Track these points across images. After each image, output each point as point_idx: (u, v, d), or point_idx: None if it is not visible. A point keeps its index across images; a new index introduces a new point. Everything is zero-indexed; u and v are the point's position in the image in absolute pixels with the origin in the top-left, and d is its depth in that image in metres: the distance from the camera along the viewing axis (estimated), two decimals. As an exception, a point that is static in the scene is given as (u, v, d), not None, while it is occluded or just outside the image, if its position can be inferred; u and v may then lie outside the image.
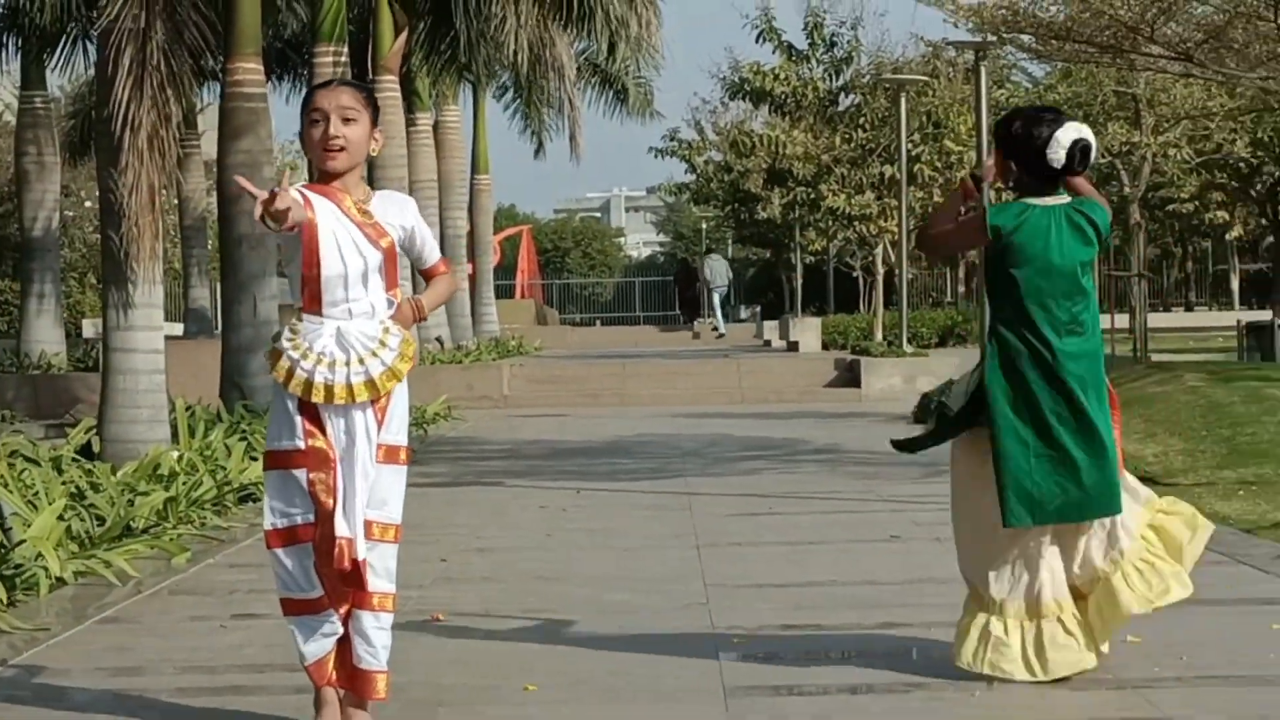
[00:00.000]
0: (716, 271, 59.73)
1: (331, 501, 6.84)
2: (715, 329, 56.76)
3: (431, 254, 7.31)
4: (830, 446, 21.10)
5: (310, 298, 6.96)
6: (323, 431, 6.90)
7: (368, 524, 6.91)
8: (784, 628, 9.33)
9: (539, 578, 11.46)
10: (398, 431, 7.04)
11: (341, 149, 6.96)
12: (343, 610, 6.99)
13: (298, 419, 6.92)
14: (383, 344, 6.95)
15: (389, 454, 7.00)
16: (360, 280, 6.96)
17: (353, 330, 6.93)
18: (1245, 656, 8.24)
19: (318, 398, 6.87)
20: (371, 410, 6.94)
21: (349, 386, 6.88)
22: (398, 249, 7.12)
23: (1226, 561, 11.41)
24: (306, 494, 6.90)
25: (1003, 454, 7.38)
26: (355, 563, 6.84)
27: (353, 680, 7.04)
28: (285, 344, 6.95)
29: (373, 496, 6.93)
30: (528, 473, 18.76)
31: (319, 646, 7.00)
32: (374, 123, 7.09)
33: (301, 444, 6.91)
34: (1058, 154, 7.44)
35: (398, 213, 7.16)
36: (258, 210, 6.60)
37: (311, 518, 6.90)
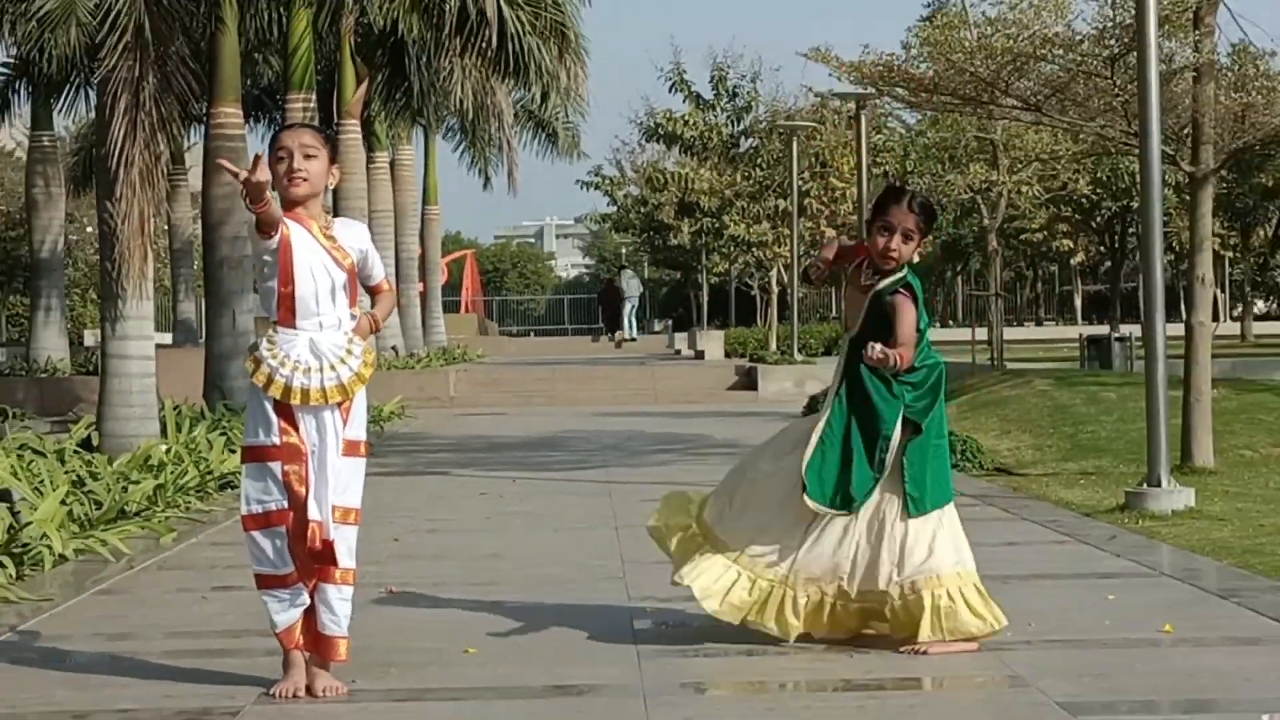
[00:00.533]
0: (630, 285, 59.97)
1: (304, 490, 6.86)
2: (629, 337, 56.88)
3: (378, 273, 7.36)
4: (731, 441, 21.12)
5: (286, 312, 6.97)
6: (296, 429, 6.91)
7: (333, 509, 6.92)
8: (689, 599, 9.32)
9: (480, 555, 11.45)
10: (358, 428, 7.08)
11: (304, 179, 7.01)
12: (310, 584, 6.99)
13: (274, 418, 6.92)
14: (349, 353, 7.01)
15: (350, 448, 7.03)
16: (329, 296, 7.01)
17: (323, 341, 6.96)
18: (1084, 623, 8.28)
19: (294, 400, 6.89)
20: (338, 411, 6.96)
21: (323, 390, 6.92)
22: (357, 270, 7.13)
23: (1069, 541, 11.51)
24: (281, 483, 6.90)
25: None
26: (326, 542, 6.86)
27: (318, 644, 7.03)
28: (264, 353, 6.96)
29: (339, 484, 6.93)
30: (470, 463, 18.73)
31: (289, 616, 6.99)
32: (331, 159, 7.14)
33: (277, 440, 6.92)
34: None
35: (355, 237, 7.22)
36: (241, 187, 6.65)
37: (285, 504, 6.90)
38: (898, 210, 7.47)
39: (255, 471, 6.99)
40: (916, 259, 7.64)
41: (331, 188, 7.21)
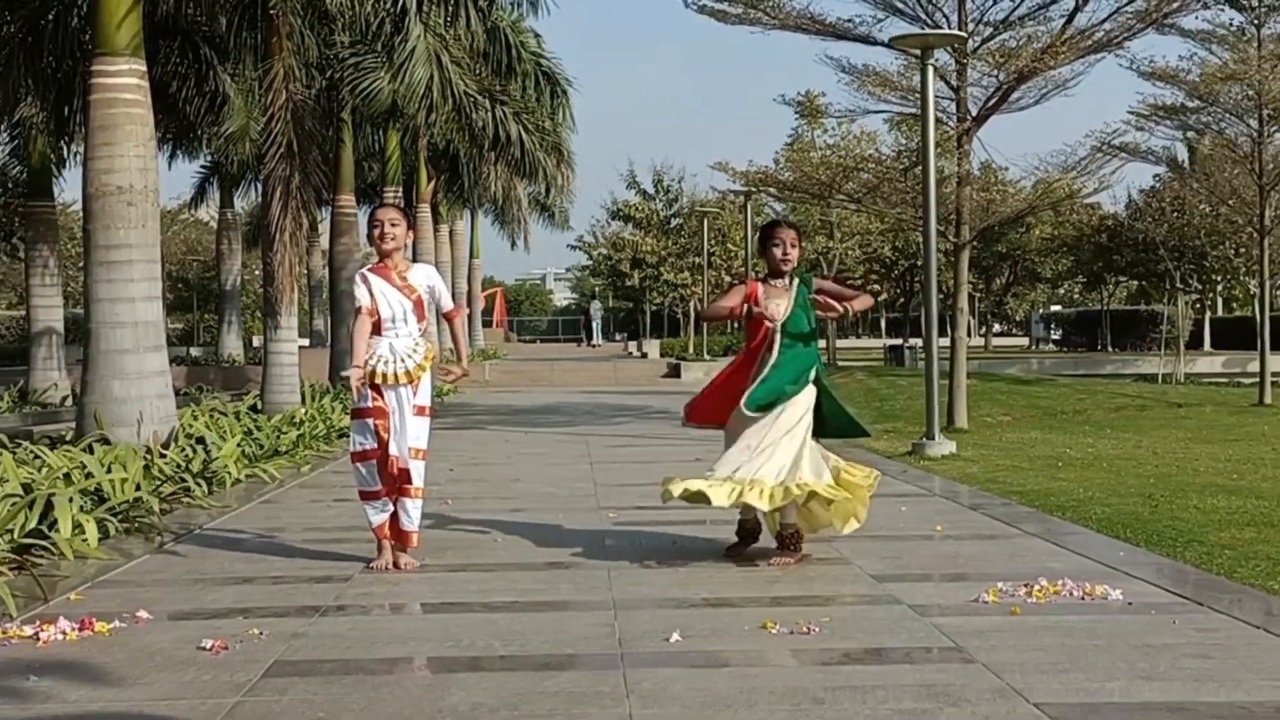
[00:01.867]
0: (595, 312, 60.30)
1: (387, 436, 6.88)
2: (595, 343, 57.09)
3: (446, 302, 7.29)
4: (663, 409, 21.10)
5: (376, 326, 6.97)
6: (382, 398, 6.89)
7: (410, 449, 6.91)
8: (638, 508, 9.35)
9: (504, 479, 11.43)
10: (425, 398, 7.05)
11: (392, 240, 7.03)
12: (393, 498, 6.97)
13: (368, 391, 6.91)
14: (414, 352, 6.98)
15: (419, 410, 6.99)
16: (401, 318, 6.98)
17: (398, 345, 6.95)
18: (885, 525, 8.31)
19: (379, 380, 6.87)
20: (409, 388, 6.93)
21: (396, 375, 6.89)
22: (424, 299, 7.09)
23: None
24: (373, 432, 6.93)
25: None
26: (403, 470, 6.91)
27: (399, 536, 7.02)
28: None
29: (411, 434, 6.91)
30: (498, 422, 18.70)
31: (379, 518, 7.00)
32: (409, 227, 7.19)
33: (370, 405, 6.93)
34: None
35: (424, 277, 7.14)
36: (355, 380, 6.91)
37: (375, 445, 6.93)
38: (779, 230, 7.21)
39: (358, 426, 7.03)
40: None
41: (409, 244, 7.19)
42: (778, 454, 6.89)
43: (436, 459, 8.28)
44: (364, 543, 7.53)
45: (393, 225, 7.05)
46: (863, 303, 7.37)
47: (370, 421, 6.97)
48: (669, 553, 7.37)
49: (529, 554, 7.43)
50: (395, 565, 7.00)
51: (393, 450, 6.94)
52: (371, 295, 7.00)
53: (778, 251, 7.17)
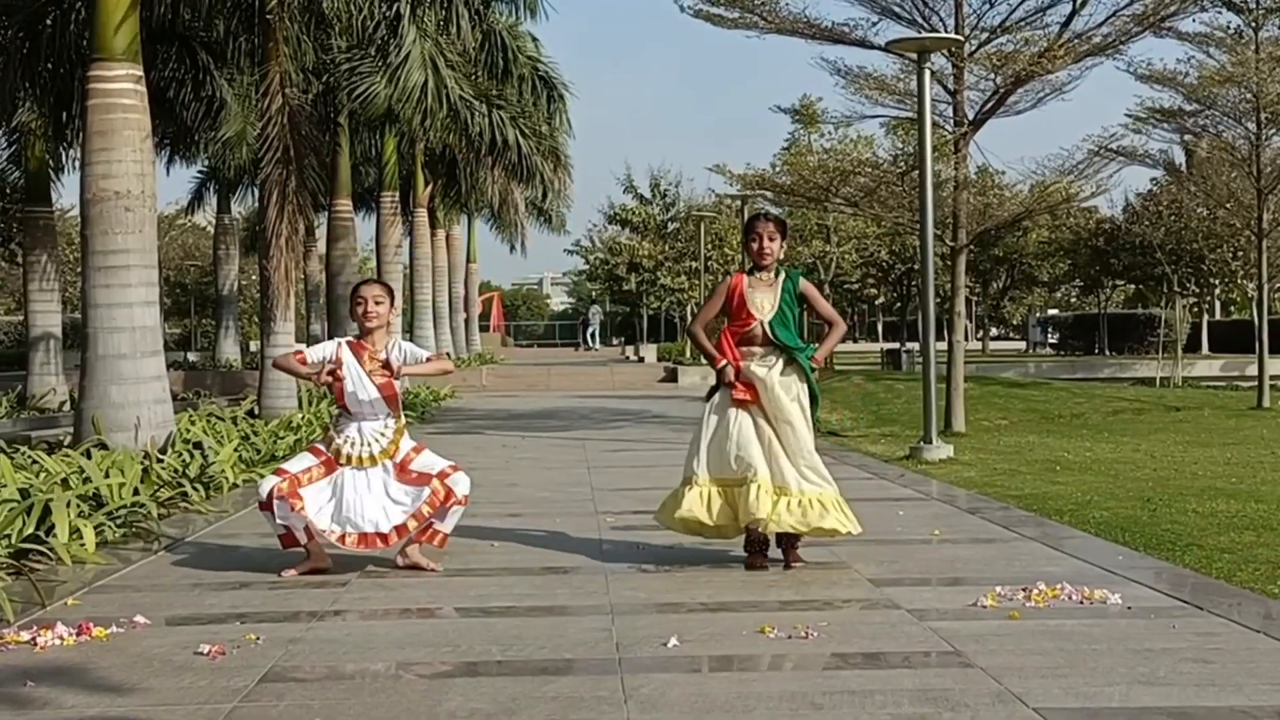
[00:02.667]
0: (593, 317, 60.25)
1: (309, 489, 6.94)
2: (593, 347, 57.11)
3: (423, 354, 7.07)
4: (661, 413, 21.12)
5: (343, 404, 6.97)
6: (333, 462, 6.96)
7: (445, 470, 7.00)
8: (635, 513, 9.33)
9: (501, 484, 11.41)
10: (407, 445, 7.01)
11: (375, 318, 6.93)
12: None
13: (319, 449, 7.07)
14: (382, 434, 6.94)
15: (417, 450, 7.03)
16: (368, 405, 6.91)
17: (367, 428, 6.93)
18: (883, 528, 8.32)
19: (344, 462, 6.95)
20: (387, 462, 6.95)
21: (361, 457, 6.91)
22: (397, 391, 6.98)
23: (874, 478, 11.55)
24: (311, 468, 6.95)
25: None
26: (371, 538, 6.90)
27: (427, 534, 7.03)
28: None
29: (427, 465, 7.02)
30: (496, 426, 18.66)
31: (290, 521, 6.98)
32: (391, 302, 7.02)
33: (323, 450, 7.03)
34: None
35: (397, 351, 6.97)
36: (322, 376, 6.87)
37: (301, 470, 6.98)
38: (759, 223, 7.10)
39: (306, 454, 7.05)
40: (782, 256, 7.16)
41: (396, 314, 7.10)
42: (772, 449, 6.84)
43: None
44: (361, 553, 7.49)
45: (377, 303, 6.90)
46: (833, 341, 7.24)
47: (311, 457, 6.95)
48: (666, 557, 7.35)
49: (526, 559, 7.42)
50: (414, 565, 7.00)
51: (352, 524, 6.81)
52: (336, 371, 6.86)
53: (755, 245, 7.08)
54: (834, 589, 6.45)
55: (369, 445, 6.91)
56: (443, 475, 6.98)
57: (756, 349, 7.01)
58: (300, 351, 7.01)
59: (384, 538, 6.89)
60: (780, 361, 6.99)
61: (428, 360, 7.09)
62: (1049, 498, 9.85)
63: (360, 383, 6.92)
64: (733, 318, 7.13)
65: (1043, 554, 7.35)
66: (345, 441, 6.92)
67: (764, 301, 7.03)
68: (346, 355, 6.95)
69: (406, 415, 7.46)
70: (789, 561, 6.99)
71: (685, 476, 7.06)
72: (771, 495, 6.78)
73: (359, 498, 6.88)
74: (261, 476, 11.26)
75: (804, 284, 7.15)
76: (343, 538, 6.85)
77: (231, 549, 7.95)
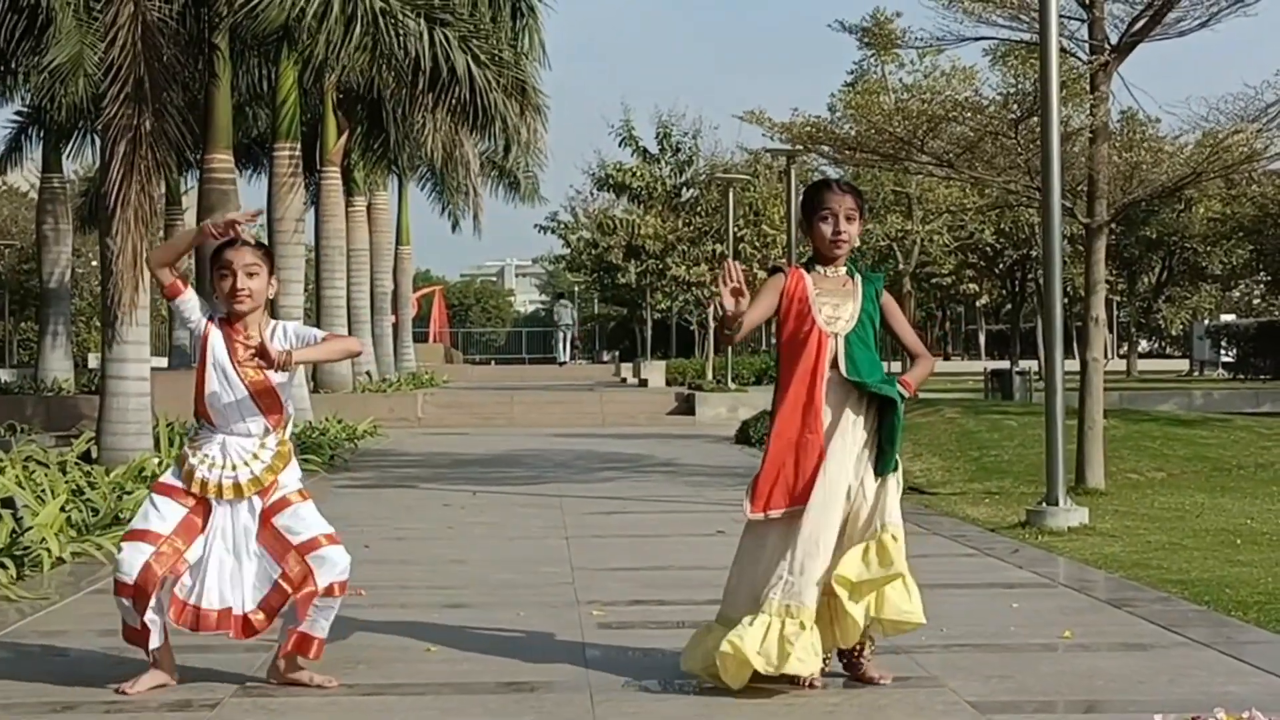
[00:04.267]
0: (564, 314, 60.59)
1: (183, 550, 6.85)
2: (559, 360, 57.53)
3: (315, 335, 7.02)
4: (670, 460, 21.07)
5: (202, 412, 6.93)
6: (200, 510, 6.92)
7: (323, 536, 6.89)
8: (633, 603, 9.25)
9: (442, 560, 11.39)
10: (293, 480, 6.97)
11: (248, 297, 6.86)
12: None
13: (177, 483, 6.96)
14: (256, 455, 6.87)
15: (300, 496, 6.95)
16: (235, 411, 6.86)
17: (233, 445, 6.85)
18: (991, 628, 8.29)
19: (199, 490, 6.86)
20: (255, 501, 6.90)
21: (222, 485, 6.83)
22: (277, 389, 6.92)
23: (975, 554, 11.51)
24: (172, 520, 6.89)
25: None
26: (236, 620, 6.88)
27: (298, 642, 6.90)
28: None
29: (305, 524, 6.89)
30: (435, 478, 18.62)
31: (144, 618, 6.86)
32: (270, 272, 6.97)
33: (180, 488, 6.93)
34: None
35: (281, 334, 6.94)
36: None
37: (162, 531, 6.85)
38: (833, 195, 6.94)
39: (157, 501, 6.92)
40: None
41: (271, 298, 7.04)
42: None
43: (347, 530, 8.09)
44: (240, 651, 7.42)
45: (249, 275, 6.85)
46: (923, 375, 7.19)
47: (173, 504, 6.85)
48: (678, 669, 7.27)
49: (477, 670, 7.35)
50: (291, 680, 6.93)
51: (198, 593, 6.78)
52: (203, 363, 6.84)
53: (827, 227, 6.93)
54: (921, 717, 6.36)
55: (233, 469, 6.81)
56: (305, 549, 6.80)
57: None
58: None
59: (243, 622, 6.80)
60: (849, 392, 6.86)
61: (323, 340, 7.02)
62: (1227, 584, 9.77)
63: (225, 379, 6.84)
64: (786, 331, 6.96)
65: (1220, 666, 7.30)
66: (201, 462, 6.81)
67: (837, 308, 6.90)
68: (213, 339, 6.88)
69: (308, 462, 7.36)
70: (860, 673, 6.92)
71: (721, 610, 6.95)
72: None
73: (224, 549, 6.81)
74: (99, 547, 11.21)
75: (885, 298, 7.08)
76: (182, 609, 6.76)
77: (54, 652, 7.86)
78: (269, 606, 6.83)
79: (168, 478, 6.95)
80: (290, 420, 7.06)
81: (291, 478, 6.95)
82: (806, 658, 6.61)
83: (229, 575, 6.81)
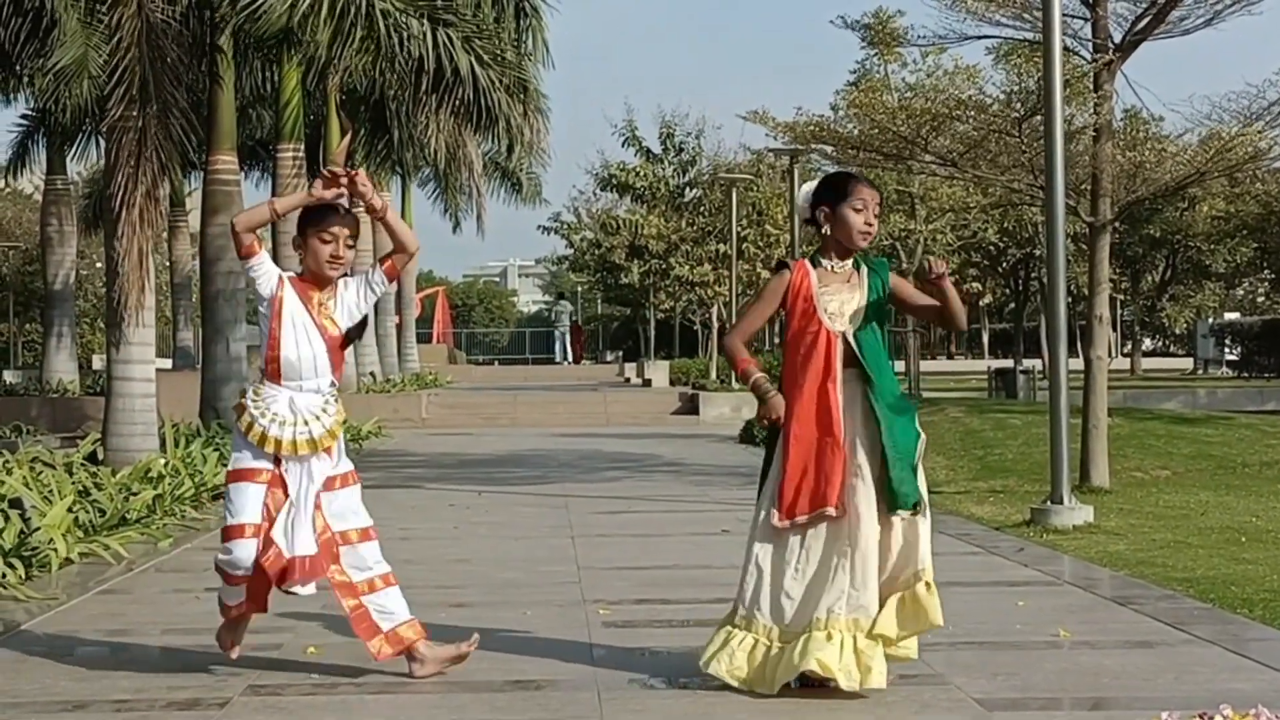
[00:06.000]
0: (563, 315, 60.69)
1: (275, 518, 6.98)
2: (557, 360, 57.61)
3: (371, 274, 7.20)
4: (675, 460, 21.08)
5: (273, 372, 7.02)
6: (279, 467, 7.03)
7: (357, 531, 7.14)
8: (640, 602, 9.27)
9: (447, 560, 11.40)
10: (345, 462, 7.15)
11: (342, 264, 7.05)
12: (258, 603, 7.16)
13: (253, 451, 7.01)
14: (323, 412, 7.03)
15: (344, 480, 7.12)
16: (310, 366, 7.01)
17: (301, 401, 6.99)
18: (996, 625, 8.31)
19: (272, 449, 6.96)
20: (319, 459, 7.02)
21: (296, 442, 6.95)
22: (341, 340, 7.11)
23: (980, 553, 11.51)
24: (262, 506, 6.98)
25: None
26: (290, 565, 6.89)
27: (394, 641, 7.08)
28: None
29: (346, 511, 7.11)
30: (440, 478, 18.64)
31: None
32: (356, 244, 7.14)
33: (256, 465, 6.99)
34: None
35: (353, 297, 7.14)
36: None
37: (258, 521, 6.95)
38: (866, 188, 6.88)
39: (236, 491, 7.00)
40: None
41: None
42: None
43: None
44: (248, 649, 7.44)
45: (348, 246, 7.03)
46: (959, 315, 7.08)
47: (253, 487, 6.91)
48: (684, 667, 7.28)
49: (483, 669, 7.35)
50: (434, 671, 7.12)
51: (279, 542, 6.85)
52: (279, 318, 6.94)
53: (860, 217, 6.82)
54: (927, 715, 6.37)
55: (305, 425, 6.91)
56: (360, 533, 7.07)
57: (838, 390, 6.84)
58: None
59: (307, 564, 6.86)
60: (860, 392, 6.83)
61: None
62: (1232, 582, 9.78)
63: (305, 333, 6.97)
64: (792, 328, 6.93)
65: (1225, 663, 7.31)
66: (273, 421, 6.88)
67: (843, 304, 6.84)
68: (289, 294, 7.00)
69: None
70: None
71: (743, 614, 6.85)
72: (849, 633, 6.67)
73: (306, 501, 6.91)
74: (106, 548, 11.23)
75: (894, 278, 7.00)
76: (274, 562, 6.82)
77: (62, 651, 7.87)
78: (324, 560, 6.96)
79: (239, 461, 6.99)
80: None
81: (344, 454, 7.13)
82: (882, 671, 6.63)
83: (296, 527, 6.88)
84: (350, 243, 7.02)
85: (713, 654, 6.88)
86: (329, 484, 6.98)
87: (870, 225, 6.85)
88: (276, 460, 6.91)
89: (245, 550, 6.82)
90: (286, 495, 6.90)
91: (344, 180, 7.01)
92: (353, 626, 7.01)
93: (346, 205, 7.09)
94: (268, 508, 6.87)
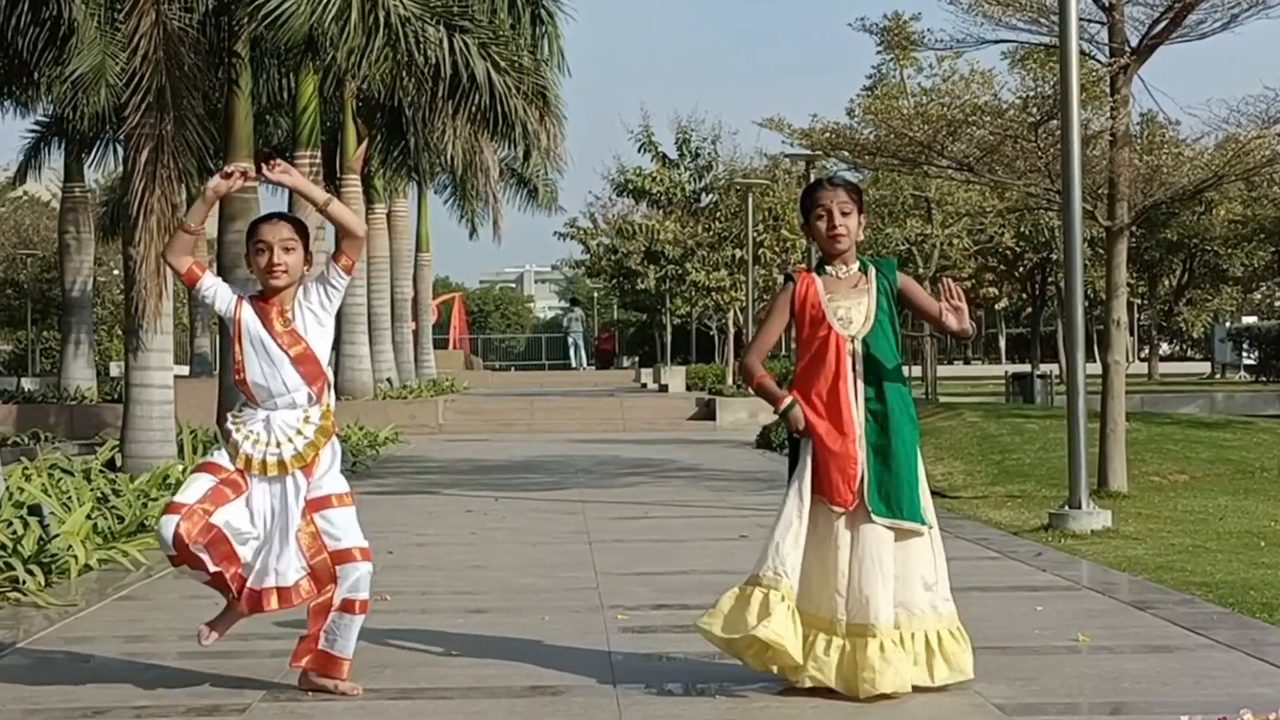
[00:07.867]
0: (574, 321, 60.73)
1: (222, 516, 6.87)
2: (572, 366, 57.70)
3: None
4: (692, 465, 21.06)
5: (244, 390, 7.03)
6: (244, 482, 6.99)
7: (358, 550, 6.93)
8: (658, 608, 9.26)
9: (465, 566, 11.39)
10: (336, 482, 6.98)
11: (284, 272, 6.86)
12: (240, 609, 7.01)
13: (224, 452, 7.04)
14: (302, 428, 6.90)
15: (339, 499, 6.95)
16: (280, 386, 6.89)
17: (278, 420, 6.90)
18: (1015, 630, 8.28)
19: (243, 466, 6.92)
20: (299, 478, 6.91)
21: (266, 462, 6.88)
22: (315, 351, 6.93)
23: (999, 558, 11.49)
24: (211, 495, 6.92)
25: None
26: (269, 594, 6.87)
27: (322, 661, 6.92)
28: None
29: (341, 530, 6.91)
30: (457, 484, 18.64)
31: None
32: (308, 247, 6.98)
33: (221, 465, 6.99)
34: None
35: (314, 302, 6.96)
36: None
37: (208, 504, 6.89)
38: (824, 192, 6.92)
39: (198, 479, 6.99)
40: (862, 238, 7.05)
41: (308, 273, 7.00)
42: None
43: (371, 536, 8.07)
44: (265, 656, 7.46)
45: (285, 250, 6.87)
46: (960, 319, 7.04)
47: (206, 477, 6.87)
48: (702, 673, 7.28)
49: (501, 674, 7.36)
50: (316, 685, 6.94)
51: (250, 573, 6.80)
52: (238, 341, 6.89)
53: (822, 224, 6.90)
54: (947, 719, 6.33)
55: (277, 446, 6.83)
56: (340, 557, 6.84)
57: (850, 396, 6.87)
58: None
59: (284, 594, 6.81)
60: (871, 394, 6.89)
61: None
62: (1251, 586, 9.75)
63: (264, 352, 6.87)
64: (803, 336, 6.94)
65: (1244, 668, 7.30)
66: (246, 438, 6.85)
67: (852, 308, 6.87)
68: (246, 315, 6.90)
69: None
70: None
71: (765, 576, 6.74)
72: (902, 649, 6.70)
73: (269, 528, 6.83)
74: (125, 554, 11.25)
75: (903, 279, 7.03)
76: (248, 595, 6.79)
77: (81, 658, 7.89)
78: (296, 591, 6.85)
79: (210, 456, 7.04)
80: (331, 386, 7.06)
81: (336, 471, 6.97)
82: (890, 677, 6.68)
83: (275, 553, 6.81)
84: (290, 245, 6.85)
85: (719, 618, 6.80)
86: (323, 504, 6.88)
87: (837, 228, 6.89)
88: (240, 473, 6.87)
89: (167, 526, 6.69)
90: (237, 496, 6.81)
91: (235, 171, 6.90)
92: (309, 620, 6.91)
93: (246, 173, 6.97)
94: (209, 497, 6.76)
